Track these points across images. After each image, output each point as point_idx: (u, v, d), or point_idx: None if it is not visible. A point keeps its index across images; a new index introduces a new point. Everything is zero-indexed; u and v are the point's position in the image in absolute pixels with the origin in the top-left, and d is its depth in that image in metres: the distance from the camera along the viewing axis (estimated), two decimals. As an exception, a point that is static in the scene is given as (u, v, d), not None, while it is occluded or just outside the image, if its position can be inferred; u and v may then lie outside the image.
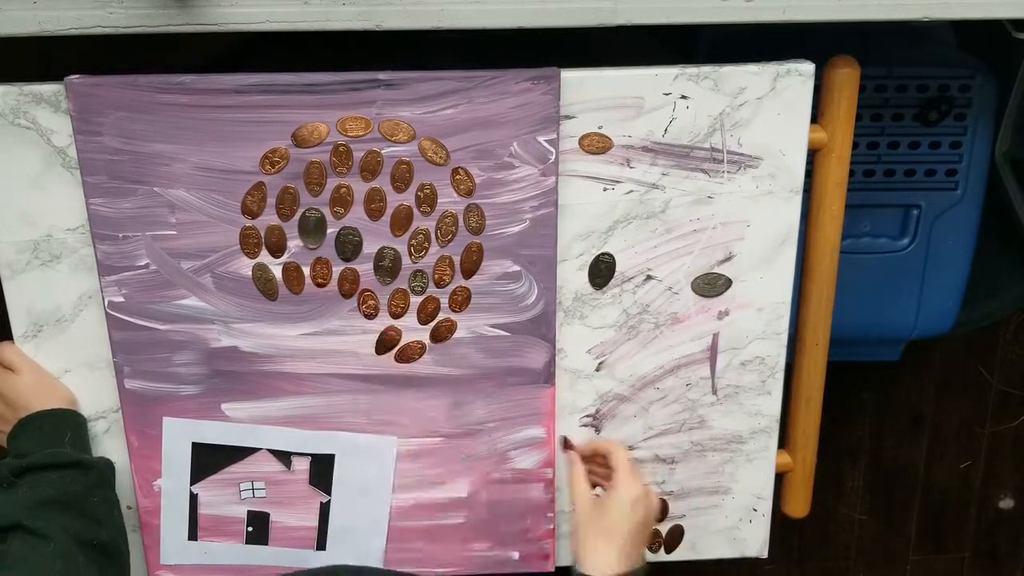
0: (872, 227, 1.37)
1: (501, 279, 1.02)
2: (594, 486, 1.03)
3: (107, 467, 1.02)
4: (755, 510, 1.16)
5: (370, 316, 1.03)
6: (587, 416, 1.10)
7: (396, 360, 1.04)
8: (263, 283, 1.00)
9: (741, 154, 1.00)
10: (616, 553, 0.94)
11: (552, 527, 1.13)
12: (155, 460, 1.06)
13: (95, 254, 0.98)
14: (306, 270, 1.00)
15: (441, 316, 1.03)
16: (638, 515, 0.96)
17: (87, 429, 1.03)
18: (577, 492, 1.01)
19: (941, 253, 1.38)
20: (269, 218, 0.98)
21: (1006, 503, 2.07)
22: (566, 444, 1.07)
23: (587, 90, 0.96)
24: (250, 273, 1.00)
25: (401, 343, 1.04)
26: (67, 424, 1.00)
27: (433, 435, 1.08)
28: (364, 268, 1.01)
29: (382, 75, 0.94)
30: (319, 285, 1.01)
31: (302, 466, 1.08)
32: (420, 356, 1.04)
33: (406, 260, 1.01)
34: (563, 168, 0.99)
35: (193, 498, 1.08)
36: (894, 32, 1.32)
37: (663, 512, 1.13)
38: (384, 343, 1.04)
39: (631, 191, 1.01)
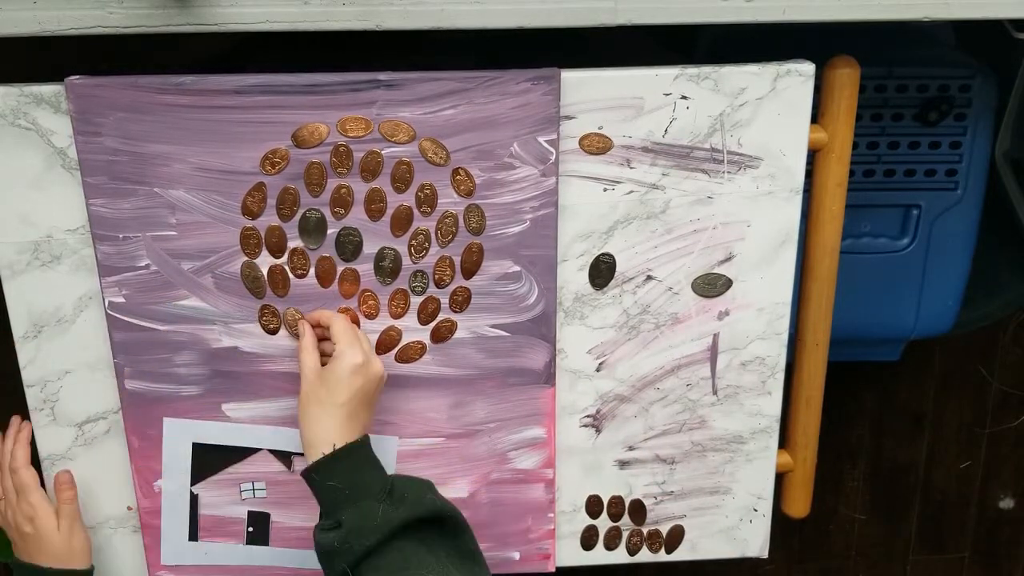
0: (872, 227, 1.37)
1: (501, 279, 1.02)
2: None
3: None
4: (755, 510, 1.16)
5: (370, 316, 1.03)
6: (587, 416, 1.10)
7: (396, 360, 1.04)
8: (251, 281, 1.00)
9: (741, 154, 1.00)
10: (334, 425, 0.92)
11: (552, 527, 1.13)
12: (155, 460, 1.06)
13: (95, 255, 0.98)
14: (310, 270, 1.00)
15: (441, 316, 1.03)
16: (356, 383, 0.93)
17: None
18: (303, 360, 0.96)
19: (941, 253, 1.38)
20: (269, 219, 0.98)
21: (1006, 503, 2.07)
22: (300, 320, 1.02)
23: (587, 90, 0.96)
24: (247, 272, 1.00)
25: (401, 343, 1.04)
26: None
27: (433, 435, 1.08)
28: (364, 268, 1.01)
29: (382, 75, 0.94)
30: (323, 285, 1.01)
31: (302, 466, 1.07)
32: (420, 356, 1.05)
33: (406, 260, 1.01)
34: (563, 168, 0.99)
35: (194, 498, 1.08)
36: (894, 32, 1.32)
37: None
38: (384, 343, 1.04)
39: (631, 191, 1.01)
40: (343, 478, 0.91)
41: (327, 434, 0.92)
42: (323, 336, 1.00)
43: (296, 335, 1.02)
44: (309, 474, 0.93)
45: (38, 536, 1.01)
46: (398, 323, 1.03)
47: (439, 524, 0.91)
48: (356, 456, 0.93)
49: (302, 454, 1.06)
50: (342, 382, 0.93)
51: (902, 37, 1.33)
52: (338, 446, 0.92)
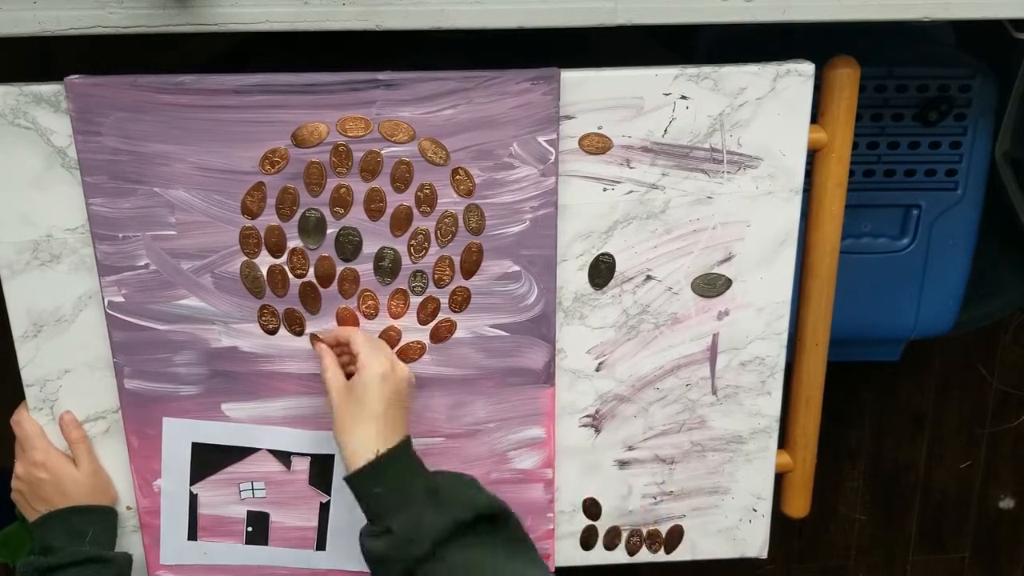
0: (872, 227, 1.37)
1: (501, 279, 1.02)
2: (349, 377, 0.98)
3: (125, 562, 1.04)
4: (755, 510, 1.16)
5: (370, 316, 1.03)
6: (587, 416, 1.10)
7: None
8: (250, 280, 1.00)
9: (741, 154, 1.00)
10: (373, 434, 0.92)
11: (552, 527, 1.13)
12: (155, 460, 1.06)
13: (95, 254, 0.98)
14: (310, 270, 1.00)
15: (441, 316, 1.03)
16: (387, 391, 0.94)
17: (116, 524, 1.06)
18: (329, 380, 0.96)
19: (941, 253, 1.38)
20: (269, 218, 0.98)
21: (1006, 503, 2.07)
22: (313, 338, 1.02)
23: (587, 90, 0.96)
24: (247, 271, 1.00)
25: (401, 343, 1.04)
26: (94, 521, 1.03)
27: (433, 435, 1.08)
28: (364, 268, 1.01)
29: (382, 75, 0.94)
30: (322, 285, 1.01)
31: (302, 466, 1.08)
32: (420, 356, 1.05)
33: (406, 260, 1.01)
34: (563, 168, 0.99)
35: (193, 498, 1.08)
36: (894, 32, 1.32)
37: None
38: (385, 343, 1.04)
39: (631, 191, 1.01)
40: (389, 484, 0.91)
41: (369, 442, 0.92)
42: (341, 354, 1.00)
43: (296, 333, 1.02)
44: (353, 481, 0.92)
45: (56, 480, 1.02)
46: (398, 323, 1.03)
47: (488, 520, 0.92)
48: (399, 461, 0.93)
49: (302, 454, 1.07)
50: (372, 392, 0.93)
51: (902, 37, 1.33)
52: (381, 452, 0.92)
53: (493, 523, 0.92)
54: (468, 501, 0.92)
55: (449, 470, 0.99)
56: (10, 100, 0.93)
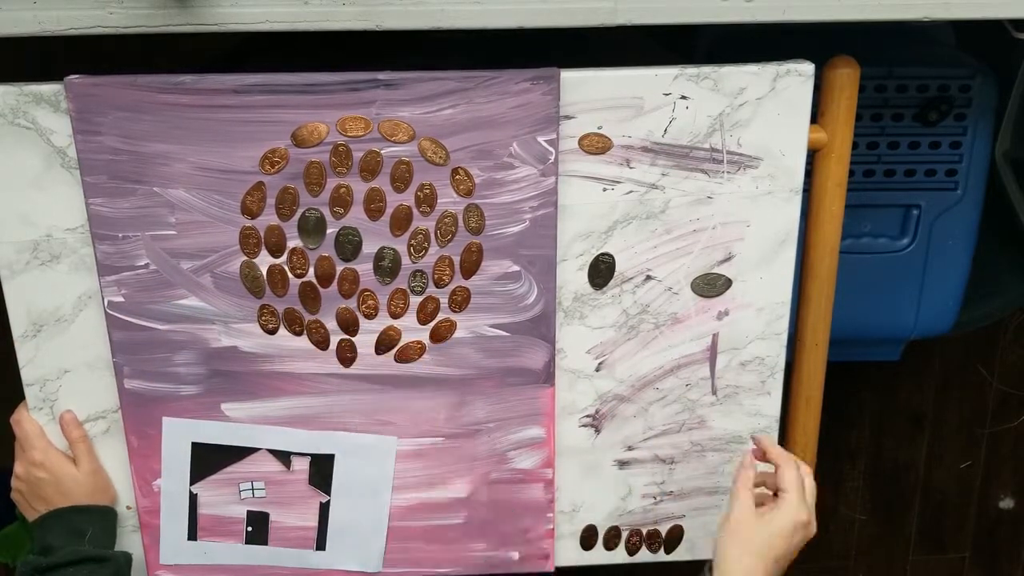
0: (872, 227, 1.37)
1: (501, 279, 1.02)
2: (756, 485, 0.98)
3: (124, 561, 1.04)
4: (755, 510, 1.16)
5: (370, 316, 1.03)
6: (587, 416, 1.10)
7: (396, 360, 1.04)
8: (250, 280, 1.00)
9: (741, 154, 1.00)
10: (761, 574, 0.91)
11: (552, 527, 1.13)
12: (155, 460, 1.06)
13: (95, 254, 0.98)
14: (310, 270, 1.00)
15: (441, 316, 1.03)
16: (795, 542, 0.92)
17: (115, 524, 1.06)
18: (740, 497, 0.95)
19: (941, 253, 1.38)
20: (269, 218, 0.98)
21: (1006, 503, 2.07)
22: (754, 441, 1.03)
23: (587, 90, 0.96)
24: (246, 271, 1.00)
25: (401, 343, 1.04)
26: (93, 521, 1.03)
27: (433, 435, 1.08)
28: (364, 268, 1.01)
29: (382, 75, 0.94)
30: (322, 284, 1.01)
31: (302, 466, 1.08)
32: (420, 356, 1.04)
33: (406, 260, 1.01)
34: (563, 168, 0.99)
35: (193, 498, 1.08)
36: (894, 32, 1.32)
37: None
38: (384, 343, 1.04)
39: (631, 191, 1.01)
40: None
41: (757, 562, 0.90)
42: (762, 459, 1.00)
43: (296, 333, 1.02)
44: None
45: (56, 480, 1.02)
46: (397, 323, 1.03)
47: None
48: None
49: (302, 454, 1.07)
50: (783, 537, 0.92)
51: (902, 37, 1.33)
52: None
53: None
54: None
55: None
56: (10, 100, 0.93)
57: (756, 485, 0.98)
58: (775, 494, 0.97)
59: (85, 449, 1.04)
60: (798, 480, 0.96)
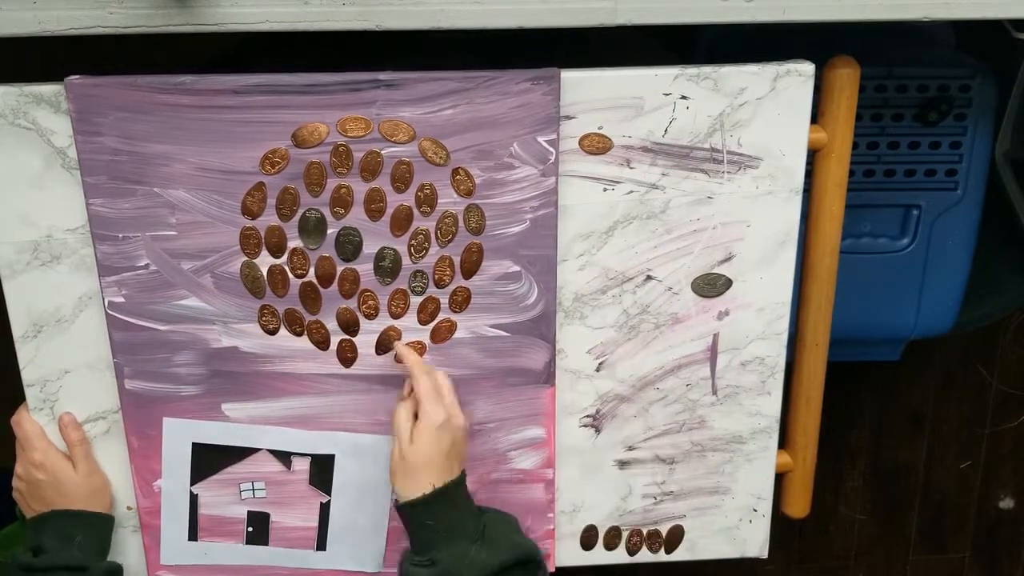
0: (872, 227, 1.37)
1: (501, 279, 1.02)
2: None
3: (109, 571, 1.03)
4: (755, 510, 1.16)
5: (370, 316, 1.03)
6: (587, 416, 1.10)
7: (396, 360, 1.04)
8: (250, 281, 1.00)
9: (741, 154, 1.00)
10: (429, 473, 0.95)
11: (552, 527, 1.13)
12: (155, 460, 1.06)
13: (95, 254, 0.98)
14: (310, 270, 1.00)
15: (441, 316, 1.03)
16: (443, 443, 0.96)
17: (110, 531, 1.06)
18: (395, 425, 0.98)
19: (941, 253, 1.38)
20: (269, 218, 0.98)
21: (1006, 503, 2.07)
22: (396, 358, 1.04)
23: (587, 90, 0.96)
24: (247, 272, 1.00)
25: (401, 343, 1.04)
26: (84, 526, 1.03)
27: (433, 435, 1.08)
28: (364, 268, 1.01)
29: (382, 75, 0.94)
30: (323, 285, 1.01)
31: (302, 466, 1.08)
32: (420, 356, 1.04)
33: (406, 260, 1.01)
34: (563, 168, 0.99)
35: (193, 498, 1.08)
36: (894, 32, 1.32)
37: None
38: (384, 343, 1.04)
39: (631, 191, 1.01)
40: (439, 518, 0.96)
41: (425, 476, 0.95)
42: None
43: (296, 333, 1.02)
44: (406, 509, 0.96)
45: (55, 481, 1.03)
46: (398, 323, 1.03)
47: (522, 565, 0.97)
48: (452, 497, 0.97)
49: (302, 454, 1.07)
50: (432, 446, 0.96)
51: (902, 37, 1.33)
52: (437, 486, 0.95)
53: (525, 567, 0.97)
54: (512, 544, 0.98)
55: (494, 508, 1.03)
56: (10, 100, 0.93)
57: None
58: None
59: (83, 452, 1.04)
60: (426, 387, 0.98)
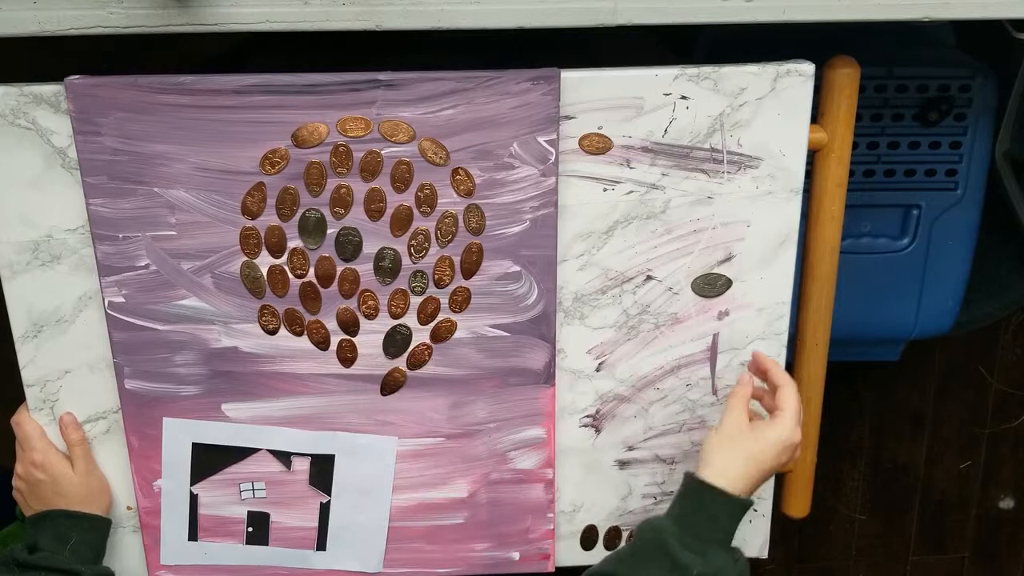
0: (872, 227, 1.37)
1: (501, 279, 1.02)
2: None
3: None
4: (755, 510, 1.16)
5: (370, 316, 1.03)
6: (587, 416, 1.10)
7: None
8: (250, 281, 1.00)
9: (741, 154, 1.00)
10: (747, 479, 0.94)
11: (552, 527, 1.13)
12: (155, 460, 1.06)
13: (95, 254, 0.98)
14: (310, 270, 1.00)
15: (441, 316, 1.03)
16: (782, 459, 0.96)
17: (106, 534, 1.06)
18: (734, 410, 0.97)
19: (941, 253, 1.38)
20: (269, 218, 0.98)
21: (1006, 503, 2.07)
22: (754, 358, 1.03)
23: (587, 90, 0.96)
24: (247, 272, 1.00)
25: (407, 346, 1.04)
26: (79, 529, 1.03)
27: (433, 435, 1.08)
28: (364, 268, 1.01)
29: (382, 75, 0.94)
30: (322, 285, 1.01)
31: (302, 466, 1.08)
32: (428, 359, 1.04)
33: (406, 260, 1.01)
34: (563, 168, 0.99)
35: (193, 498, 1.08)
36: (894, 32, 1.32)
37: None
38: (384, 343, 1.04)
39: (631, 191, 1.01)
40: (724, 520, 0.93)
41: (736, 472, 0.93)
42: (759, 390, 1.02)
43: (296, 333, 1.02)
44: (703, 485, 0.93)
45: (53, 481, 1.03)
46: (398, 323, 1.03)
47: None
48: (738, 511, 0.94)
49: (302, 454, 1.07)
50: (773, 450, 0.95)
51: (902, 37, 1.33)
52: (740, 493, 0.93)
53: None
54: (744, 570, 0.95)
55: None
56: (10, 100, 0.93)
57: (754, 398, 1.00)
58: (772, 414, 0.99)
59: (82, 453, 1.04)
60: (797, 403, 0.98)
